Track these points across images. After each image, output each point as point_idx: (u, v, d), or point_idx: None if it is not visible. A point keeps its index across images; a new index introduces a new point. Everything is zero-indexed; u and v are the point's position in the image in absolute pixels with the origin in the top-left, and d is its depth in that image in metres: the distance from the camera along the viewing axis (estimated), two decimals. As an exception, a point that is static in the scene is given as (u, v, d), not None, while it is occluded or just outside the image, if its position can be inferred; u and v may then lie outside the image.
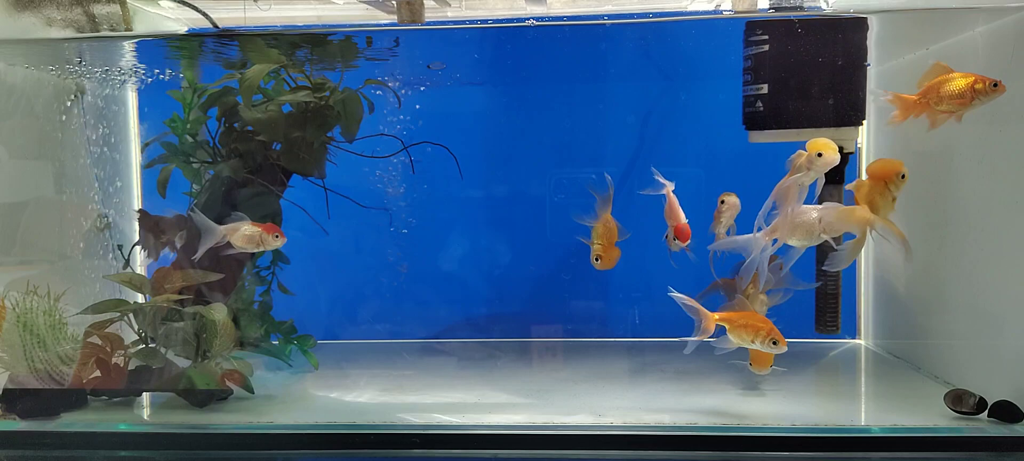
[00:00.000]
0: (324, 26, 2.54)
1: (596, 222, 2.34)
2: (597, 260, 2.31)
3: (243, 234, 2.19)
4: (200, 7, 2.33)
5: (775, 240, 2.08)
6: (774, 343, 1.98)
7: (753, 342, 2.00)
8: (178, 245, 2.46)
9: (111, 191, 2.81)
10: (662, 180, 2.32)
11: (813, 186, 2.08)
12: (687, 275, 2.38)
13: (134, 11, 2.30)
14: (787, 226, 2.04)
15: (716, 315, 2.04)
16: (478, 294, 3.03)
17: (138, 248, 2.59)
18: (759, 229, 2.07)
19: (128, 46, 2.42)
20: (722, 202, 2.30)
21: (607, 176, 2.34)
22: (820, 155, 2.00)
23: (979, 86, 1.92)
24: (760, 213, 2.09)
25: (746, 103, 2.37)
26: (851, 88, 2.29)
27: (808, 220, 2.03)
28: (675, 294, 2.05)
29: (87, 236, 2.70)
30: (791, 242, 2.08)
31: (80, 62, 2.55)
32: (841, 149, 2.33)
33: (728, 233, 2.30)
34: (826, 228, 2.01)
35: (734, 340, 2.03)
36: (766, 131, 2.32)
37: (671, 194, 2.32)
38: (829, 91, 2.27)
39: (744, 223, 2.21)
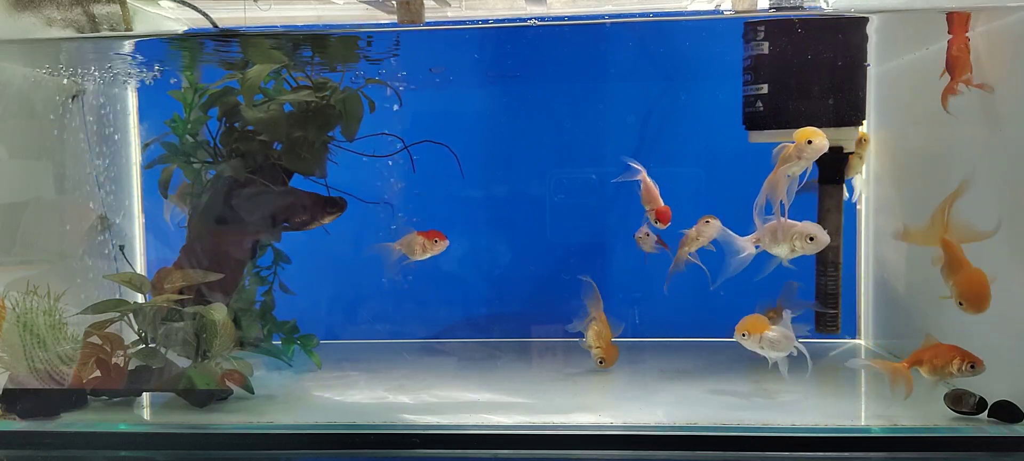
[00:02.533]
0: (324, 26, 2.54)
1: (591, 323, 2.42)
2: (601, 362, 2.39)
3: (418, 243, 2.40)
4: (200, 7, 2.33)
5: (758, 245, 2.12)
6: (972, 367, 1.93)
7: (954, 373, 1.96)
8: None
9: (111, 191, 2.81)
10: (635, 165, 2.33)
11: (802, 176, 2.10)
12: (687, 275, 2.39)
13: (134, 11, 2.30)
14: (769, 234, 2.09)
15: (905, 363, 2.01)
16: (478, 294, 3.03)
17: (139, 247, 2.60)
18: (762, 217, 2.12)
19: (128, 46, 2.42)
20: (707, 222, 2.32)
21: (593, 284, 2.40)
22: (810, 142, 2.02)
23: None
24: (755, 205, 2.11)
25: (746, 103, 2.37)
26: (851, 88, 2.30)
27: (792, 233, 2.06)
28: (861, 361, 2.13)
29: (87, 236, 2.70)
30: (773, 251, 2.10)
31: (80, 67, 2.55)
32: (841, 149, 2.34)
33: (701, 250, 2.34)
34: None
35: (934, 379, 1.99)
36: (766, 131, 2.32)
37: (646, 177, 2.34)
38: (829, 91, 2.27)
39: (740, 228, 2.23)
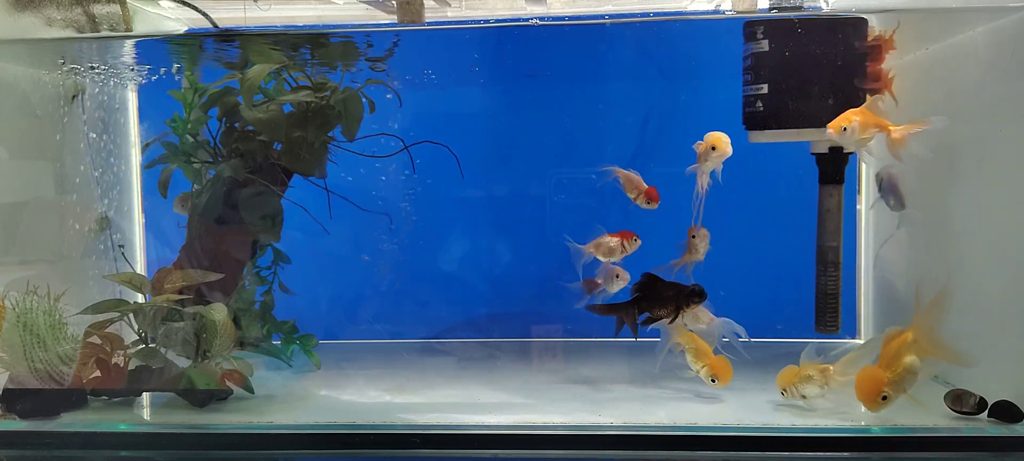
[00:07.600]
0: (324, 26, 2.54)
1: (685, 340, 2.31)
2: (713, 381, 2.26)
3: (607, 246, 2.39)
4: (200, 7, 2.33)
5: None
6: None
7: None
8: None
9: (111, 191, 2.81)
10: (607, 168, 2.37)
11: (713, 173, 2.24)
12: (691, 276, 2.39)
13: (134, 11, 2.30)
14: None
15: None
16: (478, 294, 3.03)
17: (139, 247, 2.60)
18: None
19: (128, 46, 2.42)
20: (693, 236, 2.34)
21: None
22: (714, 149, 2.20)
23: None
24: (693, 213, 2.22)
25: (746, 103, 2.37)
26: (851, 88, 2.29)
27: None
28: None
29: (87, 236, 2.70)
30: None
31: (80, 67, 2.55)
32: (841, 149, 2.34)
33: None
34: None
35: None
36: (766, 131, 2.32)
37: (620, 170, 2.38)
38: (829, 91, 2.27)
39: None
